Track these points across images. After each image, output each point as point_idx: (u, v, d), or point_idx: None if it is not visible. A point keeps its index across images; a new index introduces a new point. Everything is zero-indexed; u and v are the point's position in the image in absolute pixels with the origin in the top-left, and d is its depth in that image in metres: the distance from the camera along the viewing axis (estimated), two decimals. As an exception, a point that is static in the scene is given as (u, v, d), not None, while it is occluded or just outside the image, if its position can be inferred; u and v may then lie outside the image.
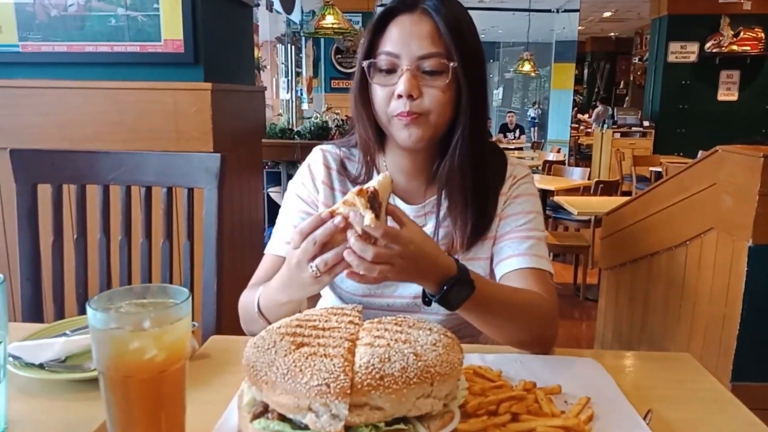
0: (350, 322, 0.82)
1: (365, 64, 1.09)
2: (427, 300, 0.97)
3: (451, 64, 1.04)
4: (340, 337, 0.76)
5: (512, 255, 1.14)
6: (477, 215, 1.15)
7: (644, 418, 0.82)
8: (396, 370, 0.70)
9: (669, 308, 2.60)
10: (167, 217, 1.41)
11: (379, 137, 1.17)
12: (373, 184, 0.87)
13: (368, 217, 0.82)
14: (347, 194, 0.87)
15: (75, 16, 1.99)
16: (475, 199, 1.14)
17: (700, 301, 2.38)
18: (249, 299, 1.11)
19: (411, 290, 1.17)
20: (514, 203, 1.19)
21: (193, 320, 1.35)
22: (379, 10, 1.11)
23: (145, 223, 1.42)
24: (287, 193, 1.26)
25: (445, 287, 0.92)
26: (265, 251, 1.22)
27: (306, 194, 1.22)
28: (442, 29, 1.04)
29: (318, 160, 1.23)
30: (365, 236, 0.84)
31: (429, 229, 1.18)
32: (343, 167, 1.22)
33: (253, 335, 1.13)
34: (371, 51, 1.09)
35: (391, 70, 1.07)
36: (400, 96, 1.05)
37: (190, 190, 1.41)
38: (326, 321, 0.83)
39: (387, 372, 0.69)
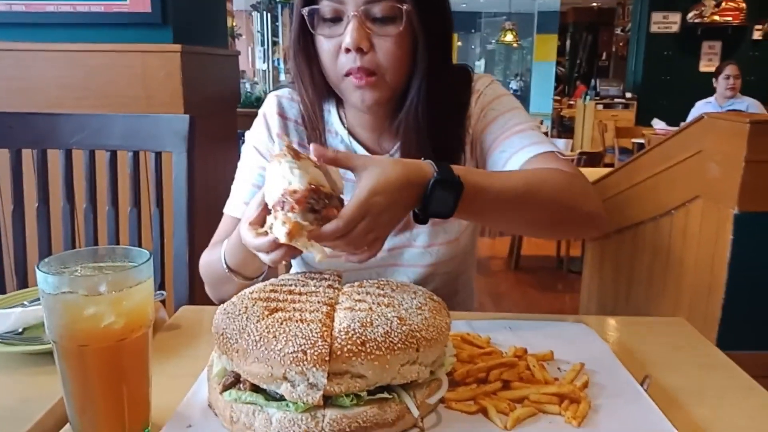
0: (329, 286, 0.77)
1: (305, 11, 0.95)
2: (419, 218, 0.83)
3: (404, 7, 0.92)
4: (318, 302, 0.71)
5: (512, 153, 1.02)
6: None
7: (641, 384, 0.77)
8: (379, 335, 0.65)
9: (654, 278, 2.58)
10: (134, 183, 1.33)
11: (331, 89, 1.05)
12: (298, 185, 0.71)
13: (316, 253, 0.73)
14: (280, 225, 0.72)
15: (34, -28, 1.88)
16: (438, 147, 1.02)
17: (685, 271, 2.37)
18: (213, 258, 1.03)
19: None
20: (487, 111, 1.08)
21: (163, 290, 1.29)
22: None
23: (111, 189, 1.34)
24: (245, 145, 1.16)
25: (425, 195, 0.79)
26: (224, 210, 1.13)
27: (264, 147, 1.12)
28: None
29: (272, 109, 1.12)
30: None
31: None
32: (302, 117, 1.11)
33: (220, 301, 1.07)
34: None
35: (337, 19, 0.94)
36: (348, 50, 0.92)
37: (158, 154, 1.33)
38: (303, 285, 0.77)
39: (369, 337, 0.64)
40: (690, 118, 5.36)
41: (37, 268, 0.62)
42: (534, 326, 0.96)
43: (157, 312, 0.97)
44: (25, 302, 0.98)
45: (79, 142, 1.33)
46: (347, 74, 0.95)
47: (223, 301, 1.05)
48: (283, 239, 0.70)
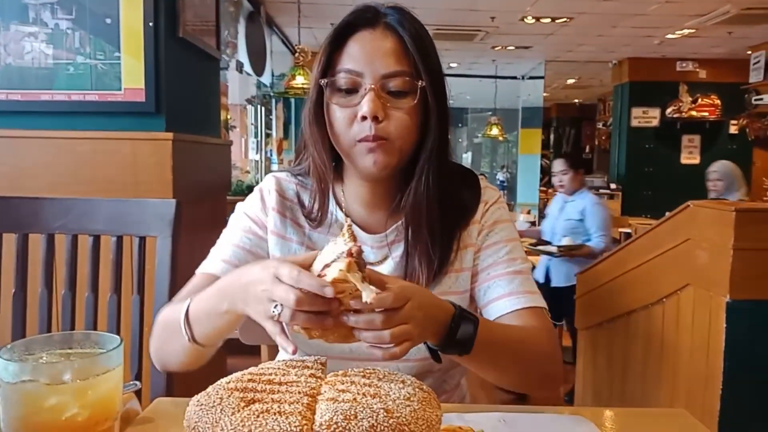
0: (311, 375, 0.73)
1: (323, 82, 1.00)
2: (436, 354, 0.89)
3: (420, 83, 0.97)
4: (299, 392, 0.67)
5: (503, 295, 1.05)
6: (444, 247, 1.06)
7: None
8: (363, 429, 0.60)
9: (649, 368, 2.52)
10: (116, 268, 1.30)
11: (335, 164, 1.08)
12: (349, 241, 0.74)
13: (367, 293, 0.71)
14: (334, 269, 0.71)
15: (32, 64, 1.92)
16: (443, 229, 1.06)
17: (680, 360, 2.31)
18: (173, 310, 0.95)
19: None
20: (492, 232, 1.11)
21: (139, 380, 1.22)
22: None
23: (92, 275, 1.30)
24: (234, 214, 1.14)
25: (452, 326, 0.84)
26: (197, 271, 1.09)
27: (255, 215, 1.11)
28: (409, 46, 0.97)
29: (271, 186, 1.13)
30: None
31: (395, 260, 1.08)
32: (297, 197, 1.12)
33: (161, 366, 1.03)
34: (329, 68, 1.00)
35: (352, 90, 0.98)
36: (364, 118, 0.96)
37: (142, 239, 1.30)
38: (284, 374, 0.73)
39: (353, 431, 0.59)
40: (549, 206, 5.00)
41: (-1, 355, 0.58)
42: (529, 419, 0.91)
43: (128, 403, 0.92)
44: (-11, 394, 0.92)
45: (62, 226, 1.30)
46: (360, 140, 0.98)
47: (164, 368, 1.04)
48: (342, 266, 0.70)
